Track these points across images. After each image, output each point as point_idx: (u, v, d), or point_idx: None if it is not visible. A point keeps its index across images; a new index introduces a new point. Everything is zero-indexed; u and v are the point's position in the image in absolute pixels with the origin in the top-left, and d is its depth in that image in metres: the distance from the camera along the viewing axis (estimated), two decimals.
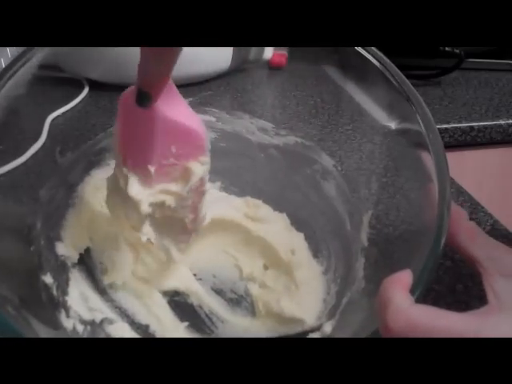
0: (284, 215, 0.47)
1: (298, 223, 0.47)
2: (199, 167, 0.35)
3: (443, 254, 0.29)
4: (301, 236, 0.46)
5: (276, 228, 0.46)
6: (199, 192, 0.36)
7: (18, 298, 0.31)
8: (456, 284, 0.45)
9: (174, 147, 0.34)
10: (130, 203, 0.35)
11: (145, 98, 0.30)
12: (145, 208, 0.35)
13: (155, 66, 0.28)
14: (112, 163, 0.45)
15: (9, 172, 0.39)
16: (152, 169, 0.34)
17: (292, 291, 0.42)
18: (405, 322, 0.24)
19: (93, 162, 0.45)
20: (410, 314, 0.24)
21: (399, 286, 0.26)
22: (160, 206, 0.36)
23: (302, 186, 0.47)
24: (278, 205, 0.48)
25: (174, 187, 0.35)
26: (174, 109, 0.32)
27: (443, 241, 0.29)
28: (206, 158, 0.35)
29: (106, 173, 0.44)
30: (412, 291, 0.26)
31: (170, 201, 0.36)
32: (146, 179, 0.35)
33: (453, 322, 0.24)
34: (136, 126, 0.33)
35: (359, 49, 0.37)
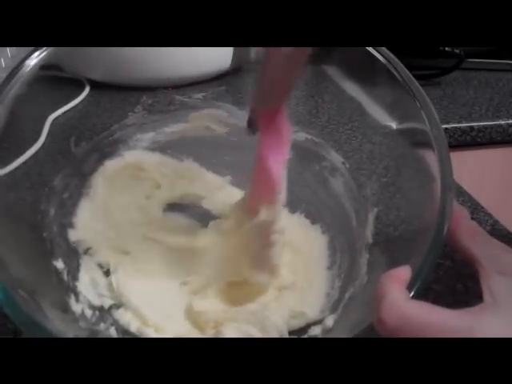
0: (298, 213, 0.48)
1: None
2: (264, 210, 0.37)
3: (443, 254, 0.29)
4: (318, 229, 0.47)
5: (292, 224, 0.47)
6: (267, 239, 0.38)
7: (30, 282, 0.31)
8: (456, 284, 0.45)
9: (260, 182, 0.37)
10: None
11: (251, 124, 0.36)
12: (227, 225, 0.40)
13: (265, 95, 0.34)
14: (126, 154, 0.47)
15: (10, 172, 0.39)
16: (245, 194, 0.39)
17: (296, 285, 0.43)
18: (398, 316, 0.24)
19: (106, 152, 0.46)
20: (404, 309, 0.24)
21: (396, 281, 0.26)
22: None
23: (311, 182, 0.48)
24: (287, 200, 0.48)
25: (246, 221, 0.39)
26: (272, 151, 0.36)
27: (444, 237, 0.29)
28: (273, 208, 0.38)
29: (119, 163, 0.46)
30: (409, 287, 0.27)
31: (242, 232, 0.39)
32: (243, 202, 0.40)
33: (446, 318, 0.24)
34: None
35: (369, 48, 0.37)
